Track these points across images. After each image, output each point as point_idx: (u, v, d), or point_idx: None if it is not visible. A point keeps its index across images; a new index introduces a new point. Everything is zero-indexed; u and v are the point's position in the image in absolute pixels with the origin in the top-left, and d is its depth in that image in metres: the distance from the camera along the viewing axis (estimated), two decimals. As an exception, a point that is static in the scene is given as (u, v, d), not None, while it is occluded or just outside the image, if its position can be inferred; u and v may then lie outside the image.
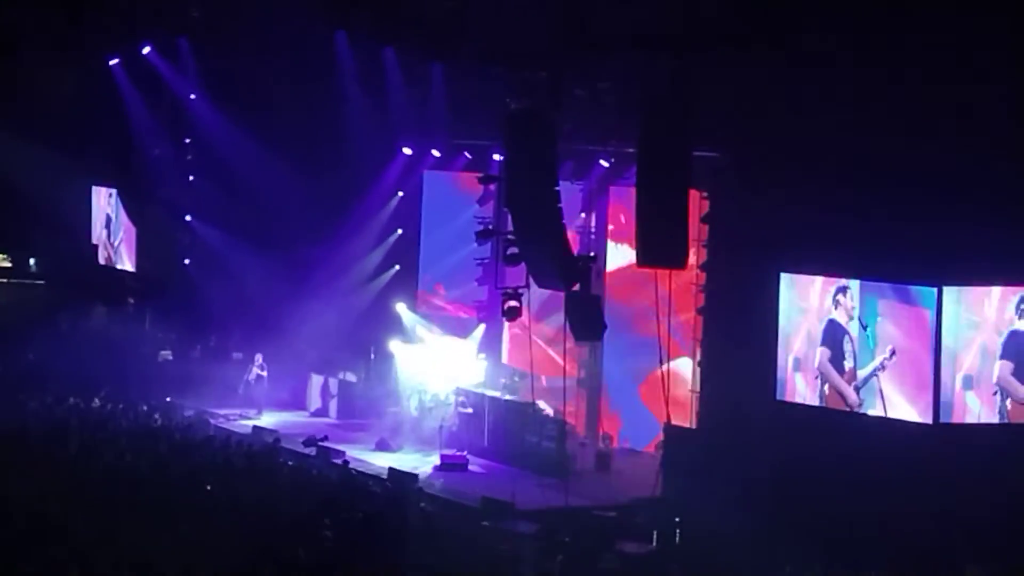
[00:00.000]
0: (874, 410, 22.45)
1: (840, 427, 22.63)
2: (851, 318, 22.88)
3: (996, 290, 22.18)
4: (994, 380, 22.29)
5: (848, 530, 20.74)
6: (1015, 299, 22.28)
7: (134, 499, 19.26)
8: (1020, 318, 22.29)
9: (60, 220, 35.69)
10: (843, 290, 23.00)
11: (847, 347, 22.96)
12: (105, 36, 30.56)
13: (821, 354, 23.35)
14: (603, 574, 19.15)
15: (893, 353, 22.34)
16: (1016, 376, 22.20)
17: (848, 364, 22.95)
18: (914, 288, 22.14)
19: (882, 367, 22.52)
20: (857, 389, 22.81)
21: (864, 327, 22.67)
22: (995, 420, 22.15)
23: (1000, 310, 22.25)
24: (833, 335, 23.19)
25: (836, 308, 23.12)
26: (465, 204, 30.09)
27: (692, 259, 23.66)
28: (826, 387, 23.20)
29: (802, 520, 21.18)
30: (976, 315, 22.11)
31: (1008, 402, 22.25)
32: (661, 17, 21.81)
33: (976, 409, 22.11)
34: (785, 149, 22.84)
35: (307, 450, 25.66)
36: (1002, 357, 22.32)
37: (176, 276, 34.00)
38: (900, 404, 22.21)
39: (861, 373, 22.77)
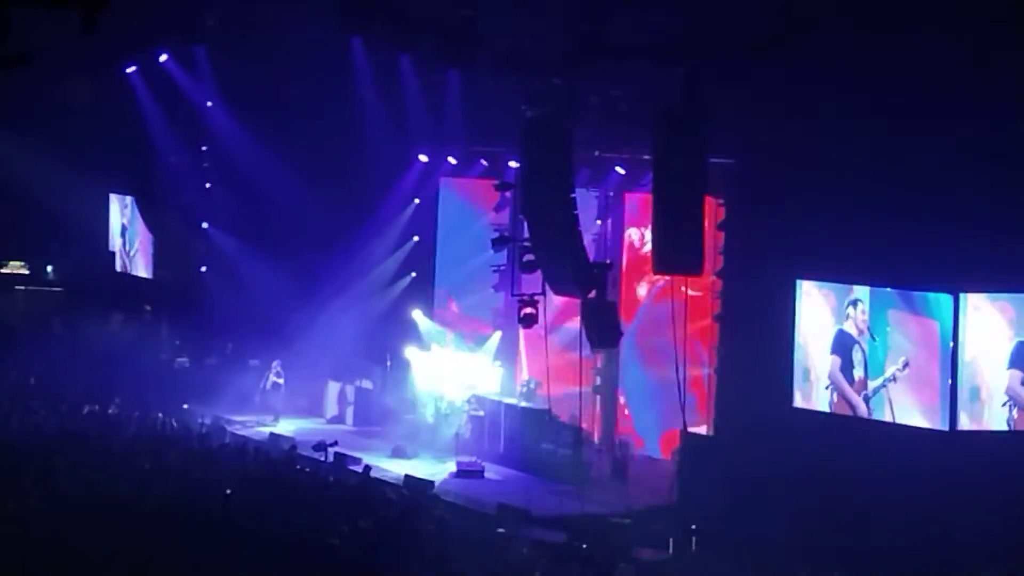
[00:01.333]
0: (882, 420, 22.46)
1: (856, 434, 22.60)
2: (861, 331, 22.74)
3: (1005, 298, 21.98)
4: (1004, 390, 22.09)
5: (864, 536, 20.70)
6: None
7: (150, 506, 19.29)
8: None
9: (77, 228, 35.82)
10: (854, 303, 22.88)
11: (856, 356, 22.83)
12: (122, 45, 30.63)
13: (832, 363, 23.20)
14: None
15: (906, 365, 22.21)
16: None
17: (858, 373, 22.84)
18: (921, 297, 22.06)
19: (893, 379, 22.36)
20: (867, 399, 22.68)
21: (873, 338, 22.56)
22: (1003, 429, 22.08)
23: (1009, 319, 22.00)
24: (843, 344, 23.06)
25: (846, 319, 22.97)
26: (481, 211, 30.11)
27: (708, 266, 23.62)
28: (835, 395, 23.10)
29: (818, 526, 21.15)
30: (985, 324, 21.97)
31: (1015, 411, 22.07)
32: (677, 25, 21.82)
33: (984, 418, 22.02)
34: (801, 156, 22.81)
35: (317, 454, 25.68)
36: (1011, 366, 22.08)
37: (193, 283, 34.05)
38: (911, 415, 22.11)
39: (872, 384, 22.66)
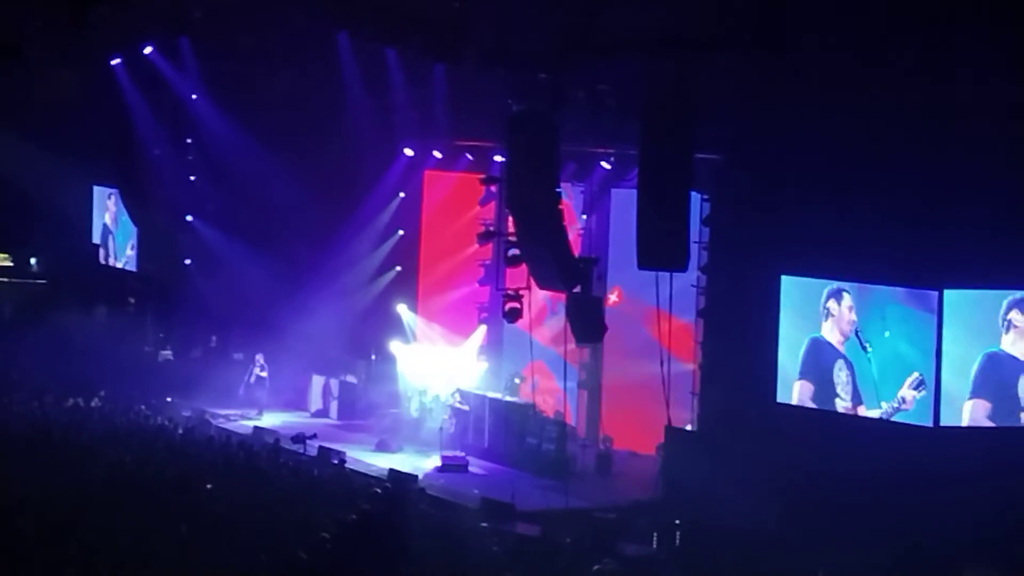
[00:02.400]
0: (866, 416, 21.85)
1: (840, 429, 22.60)
2: (845, 335, 21.05)
3: (980, 294, 20.91)
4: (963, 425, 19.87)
5: (849, 531, 20.72)
6: (1002, 306, 20.74)
7: (134, 500, 19.24)
8: (1007, 331, 20.91)
9: (61, 220, 35.70)
10: (837, 294, 20.90)
11: (840, 377, 20.91)
12: (107, 36, 30.50)
13: (799, 391, 21.41)
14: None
15: (920, 383, 20.12)
16: (994, 420, 20.76)
17: (843, 403, 21.00)
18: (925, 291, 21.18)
19: (901, 403, 20.05)
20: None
21: (865, 348, 21.10)
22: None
23: (982, 321, 20.42)
24: (817, 361, 21.07)
25: (825, 319, 20.86)
26: (467, 206, 30.11)
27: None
28: None
29: (803, 521, 21.18)
30: (966, 324, 20.89)
31: None
32: (663, 20, 21.79)
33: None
34: (786, 151, 22.85)
35: (296, 446, 25.68)
36: (973, 394, 20.25)
37: (177, 276, 33.99)
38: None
39: (867, 415, 21.02)
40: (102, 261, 36.70)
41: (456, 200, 30.78)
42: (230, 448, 24.71)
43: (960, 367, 20.69)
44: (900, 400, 19.93)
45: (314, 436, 26.11)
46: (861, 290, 21.85)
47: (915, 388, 19.52)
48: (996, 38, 19.97)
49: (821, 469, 21.92)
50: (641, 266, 21.27)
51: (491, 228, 27.34)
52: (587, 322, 23.39)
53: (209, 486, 20.39)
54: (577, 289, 23.07)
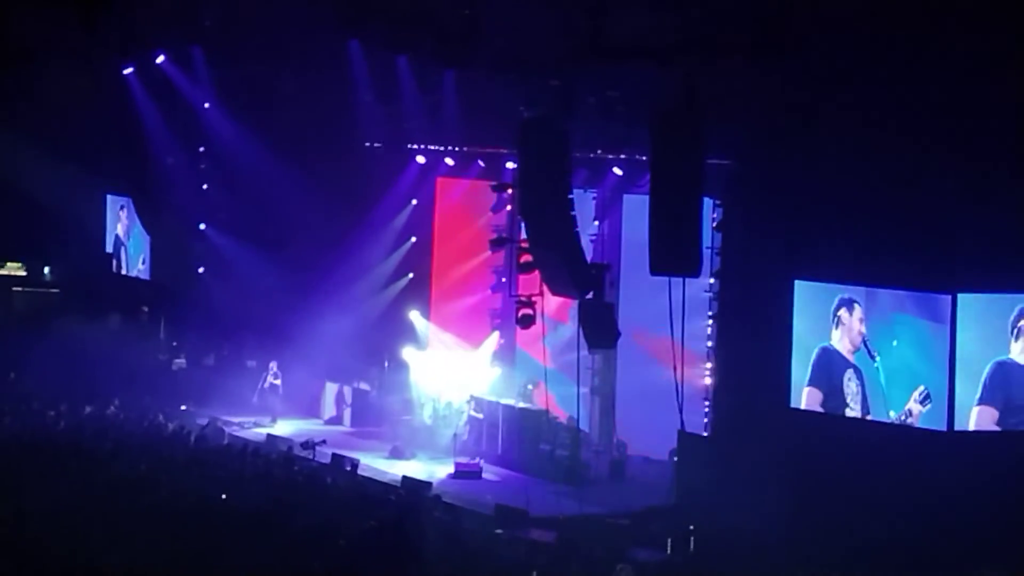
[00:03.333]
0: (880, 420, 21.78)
1: (853, 434, 22.55)
2: (855, 346, 21.02)
3: (991, 298, 20.61)
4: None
5: (863, 536, 20.69)
6: (1013, 311, 20.44)
7: (148, 508, 19.28)
8: (1017, 339, 20.68)
9: (74, 229, 35.77)
10: (848, 303, 21.00)
11: (850, 387, 20.90)
12: (119, 45, 30.59)
13: (808, 398, 21.40)
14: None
15: (927, 397, 20.21)
16: (1003, 426, 20.62)
17: (852, 412, 21.05)
18: (935, 299, 21.03)
19: (908, 415, 20.04)
20: None
21: (873, 357, 21.14)
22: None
23: (993, 327, 20.17)
24: (827, 371, 21.14)
25: (836, 328, 21.06)
26: (479, 212, 30.12)
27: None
28: None
29: (817, 526, 21.14)
30: (976, 330, 20.60)
31: None
32: (674, 26, 21.81)
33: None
34: (799, 156, 22.82)
35: (305, 453, 25.71)
36: (982, 401, 20.20)
37: (190, 284, 34.04)
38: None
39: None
40: (115, 270, 36.74)
41: (468, 206, 30.79)
42: (244, 455, 24.74)
43: (969, 374, 20.64)
44: (907, 413, 20.15)
45: (323, 442, 26.12)
46: (871, 298, 21.70)
47: (921, 402, 19.71)
48: (1007, 42, 19.94)
49: (834, 474, 21.88)
50: (654, 272, 21.27)
51: (503, 234, 27.41)
52: (600, 328, 23.40)
53: (224, 496, 20.42)
54: (590, 295, 23.10)
